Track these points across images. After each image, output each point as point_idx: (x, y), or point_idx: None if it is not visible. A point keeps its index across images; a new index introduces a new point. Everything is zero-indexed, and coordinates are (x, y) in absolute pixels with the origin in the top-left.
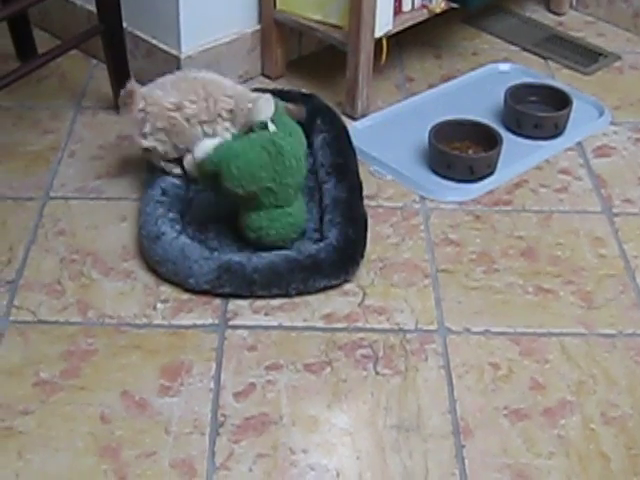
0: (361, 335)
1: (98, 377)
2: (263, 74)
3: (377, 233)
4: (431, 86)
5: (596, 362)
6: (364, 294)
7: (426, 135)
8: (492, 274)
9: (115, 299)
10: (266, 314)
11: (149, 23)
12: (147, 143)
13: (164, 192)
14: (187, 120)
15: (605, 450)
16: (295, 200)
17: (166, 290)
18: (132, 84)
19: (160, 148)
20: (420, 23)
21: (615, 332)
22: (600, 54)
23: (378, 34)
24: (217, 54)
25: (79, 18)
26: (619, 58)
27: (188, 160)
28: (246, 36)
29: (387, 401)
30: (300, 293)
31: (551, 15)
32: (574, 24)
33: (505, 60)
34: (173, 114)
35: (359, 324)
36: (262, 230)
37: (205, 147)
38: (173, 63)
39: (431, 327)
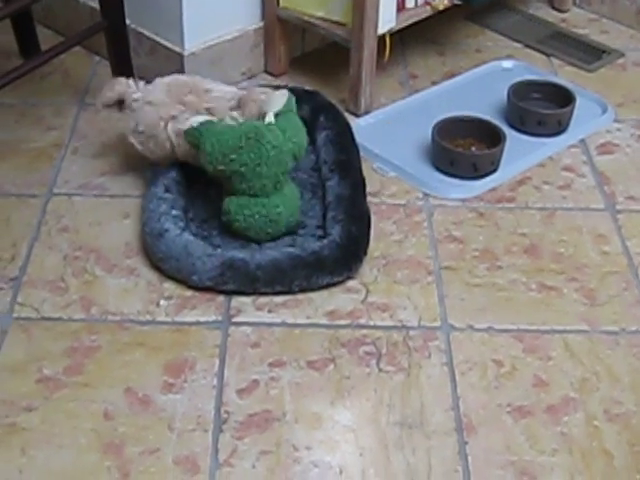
0: (364, 332)
1: (101, 374)
2: (266, 71)
3: (380, 230)
4: (434, 83)
5: (599, 359)
6: (367, 291)
7: (429, 132)
8: (495, 271)
9: (118, 296)
10: (269, 311)
11: (152, 20)
12: (131, 139)
13: (167, 189)
14: (178, 135)
15: (608, 447)
16: (274, 193)
17: (169, 287)
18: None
19: (139, 148)
20: (423, 20)
21: (618, 329)
22: (603, 51)
23: (381, 31)
24: (220, 51)
25: (82, 15)
26: (622, 55)
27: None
28: (249, 33)
29: (390, 398)
30: (303, 290)
31: (554, 12)
32: (577, 21)
33: (508, 57)
34: (160, 123)
35: (362, 321)
36: (230, 214)
37: (193, 120)
38: (176, 60)
39: (434, 324)
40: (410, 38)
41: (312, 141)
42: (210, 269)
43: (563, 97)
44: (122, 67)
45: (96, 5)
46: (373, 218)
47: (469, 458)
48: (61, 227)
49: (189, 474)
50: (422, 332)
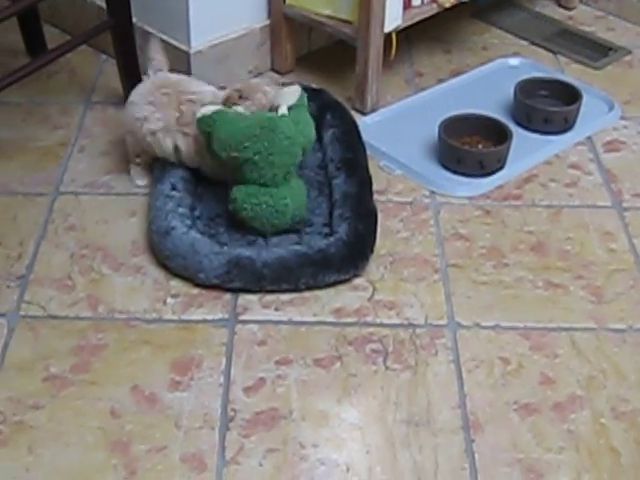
0: (371, 330)
1: (108, 372)
2: (273, 69)
3: (387, 228)
4: (441, 81)
5: (606, 357)
6: (374, 289)
7: (436, 130)
8: (502, 269)
9: (125, 294)
10: (276, 309)
11: (159, 18)
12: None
13: (174, 187)
14: (152, 133)
15: (615, 445)
16: (284, 185)
17: (176, 285)
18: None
19: (130, 145)
20: (429, 18)
21: (625, 327)
22: (610, 48)
23: (388, 29)
24: (227, 49)
25: (89, 14)
26: (629, 52)
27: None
28: (255, 31)
29: (397, 396)
30: (310, 288)
31: (561, 9)
32: (584, 18)
33: (515, 55)
34: (137, 123)
35: (369, 319)
36: (236, 203)
37: (205, 109)
38: (183, 58)
39: (441, 322)
40: (416, 36)
41: (319, 139)
42: (217, 267)
43: (570, 95)
44: (129, 66)
45: (103, 4)
46: (380, 216)
47: (476, 456)
48: (68, 225)
49: (196, 472)
50: (429, 330)
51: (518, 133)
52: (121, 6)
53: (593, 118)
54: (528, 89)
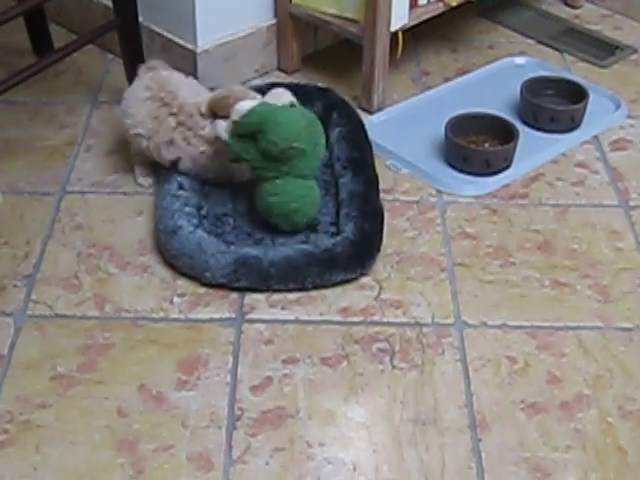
0: (377, 329)
1: (115, 371)
2: (279, 68)
3: (393, 227)
4: (447, 80)
5: (613, 356)
6: (380, 288)
7: (442, 129)
8: (508, 268)
9: (132, 293)
10: (283, 308)
11: (165, 17)
12: None
13: (180, 186)
14: (138, 136)
15: (622, 444)
16: (312, 179)
17: (183, 284)
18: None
19: (132, 144)
20: (436, 17)
21: (632, 326)
22: (616, 47)
23: (394, 28)
24: (233, 48)
25: (95, 13)
26: (635, 51)
27: (220, 125)
28: (262, 30)
29: (404, 395)
30: (316, 287)
31: (567, 8)
32: (590, 17)
33: (521, 53)
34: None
35: (375, 318)
36: (282, 195)
37: (245, 105)
38: (189, 58)
39: (448, 321)
40: (423, 35)
41: (325, 138)
42: (223, 266)
43: (576, 93)
44: (135, 65)
45: (109, 3)
46: (386, 215)
47: (483, 455)
48: (75, 225)
49: (203, 471)
50: (435, 329)
51: (524, 132)
52: (127, 5)
53: (600, 117)
54: (534, 88)
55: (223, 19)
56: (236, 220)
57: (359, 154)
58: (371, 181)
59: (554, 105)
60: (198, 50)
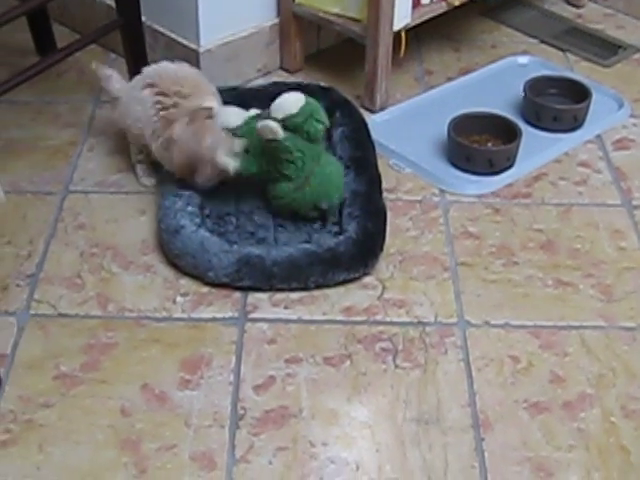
0: (380, 328)
1: (118, 370)
2: (282, 68)
3: (396, 226)
4: (450, 79)
5: (616, 355)
6: (383, 287)
7: (445, 128)
8: (511, 267)
9: (135, 292)
10: (286, 307)
11: (168, 17)
12: None
13: (183, 185)
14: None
15: (625, 443)
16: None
17: (186, 283)
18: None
19: (132, 143)
20: (439, 16)
21: (635, 325)
22: (619, 46)
23: (397, 27)
24: (236, 48)
25: (98, 12)
26: (638, 50)
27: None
28: (265, 30)
29: (407, 394)
30: (319, 286)
31: (570, 7)
32: (593, 16)
33: (524, 53)
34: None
35: (378, 317)
36: (328, 174)
37: (287, 103)
38: (192, 57)
39: (451, 320)
40: (425, 34)
41: (328, 137)
42: (226, 265)
43: (579, 93)
44: (138, 64)
45: (112, 2)
46: (389, 214)
47: (486, 454)
48: (77, 224)
49: (206, 470)
50: (438, 328)
51: (527, 131)
52: (130, 5)
53: (602, 116)
54: (537, 87)
55: (226, 19)
56: (239, 219)
57: (362, 153)
58: (374, 180)
59: (557, 104)
60: (201, 50)
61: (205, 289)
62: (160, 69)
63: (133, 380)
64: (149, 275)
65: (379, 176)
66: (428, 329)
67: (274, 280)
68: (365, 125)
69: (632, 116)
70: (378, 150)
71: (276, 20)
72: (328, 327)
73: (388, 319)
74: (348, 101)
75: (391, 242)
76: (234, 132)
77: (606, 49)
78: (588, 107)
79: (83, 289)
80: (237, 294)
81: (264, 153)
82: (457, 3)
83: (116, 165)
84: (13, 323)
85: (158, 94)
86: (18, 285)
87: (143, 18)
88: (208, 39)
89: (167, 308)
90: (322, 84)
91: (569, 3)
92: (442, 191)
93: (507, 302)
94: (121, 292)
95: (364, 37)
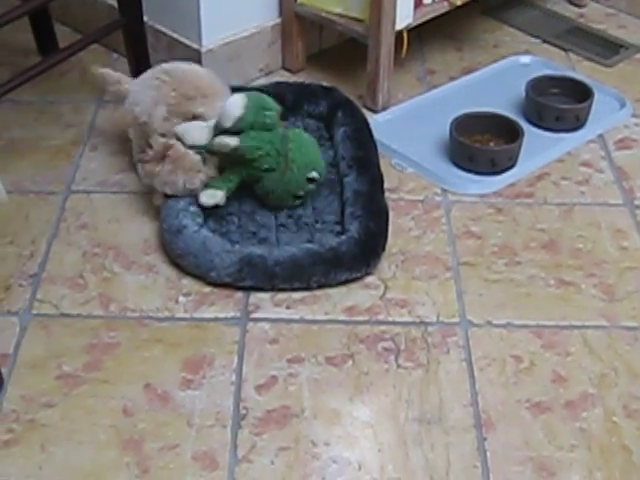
0: (383, 328)
1: (120, 370)
2: (284, 67)
3: (398, 226)
4: (452, 79)
5: (618, 355)
6: (385, 287)
7: (447, 128)
8: (514, 267)
9: (137, 292)
10: (288, 307)
11: (170, 17)
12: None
13: None
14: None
15: (627, 443)
16: None
17: (188, 283)
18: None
19: (134, 141)
20: (441, 15)
21: (637, 325)
22: (621, 46)
23: (399, 27)
24: (238, 48)
25: (100, 12)
26: None
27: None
28: (267, 29)
29: (409, 394)
30: (321, 286)
31: (572, 7)
32: (595, 16)
33: (526, 52)
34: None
35: (381, 317)
36: (301, 149)
37: (234, 104)
38: (194, 57)
39: (453, 320)
40: (428, 34)
41: (330, 137)
42: (228, 265)
43: (581, 92)
44: (140, 64)
45: (114, 2)
46: (391, 214)
47: (488, 454)
48: (80, 224)
49: (208, 470)
50: (440, 328)
51: (529, 131)
52: (132, 5)
53: (605, 116)
54: (539, 87)
55: (228, 18)
56: (241, 219)
57: (364, 153)
58: (376, 180)
59: (559, 104)
60: (203, 49)
61: (207, 289)
62: (174, 66)
63: (135, 380)
64: (151, 275)
65: (381, 176)
66: (430, 329)
67: (276, 280)
68: (367, 125)
69: (634, 116)
70: (380, 150)
71: (278, 20)
72: (330, 327)
73: (390, 319)
74: (350, 101)
75: (393, 242)
76: (201, 151)
77: (608, 49)
78: (590, 107)
79: (85, 289)
80: (239, 294)
81: (236, 162)
82: (459, 3)
83: (118, 165)
84: (15, 323)
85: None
86: (21, 285)
87: (145, 18)
88: (210, 39)
89: (169, 308)
90: (324, 84)
91: (571, 3)
92: (444, 191)
93: (509, 302)
94: (123, 292)
95: (366, 37)
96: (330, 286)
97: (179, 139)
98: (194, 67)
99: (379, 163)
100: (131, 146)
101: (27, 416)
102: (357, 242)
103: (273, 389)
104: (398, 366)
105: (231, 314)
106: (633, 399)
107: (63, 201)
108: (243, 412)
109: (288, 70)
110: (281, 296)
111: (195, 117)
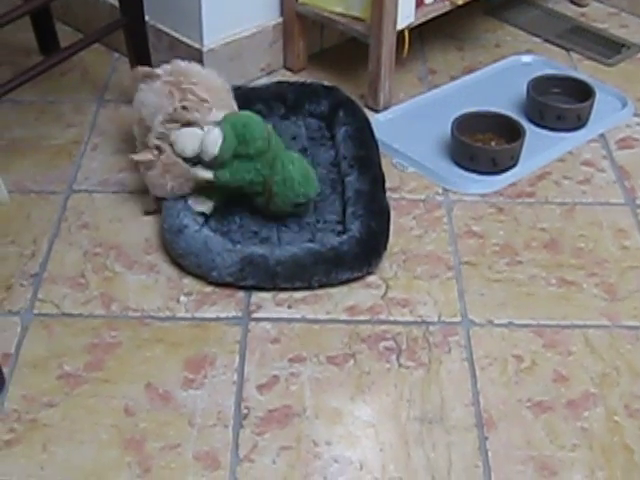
0: (384, 327)
1: (122, 370)
2: (285, 67)
3: (400, 225)
4: (453, 78)
5: (620, 354)
6: (387, 286)
7: (449, 127)
8: (515, 266)
9: (138, 292)
10: (289, 307)
11: (171, 16)
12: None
13: None
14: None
15: (629, 442)
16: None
17: (189, 283)
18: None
19: (138, 139)
20: (442, 15)
21: (639, 324)
22: (623, 45)
23: (400, 26)
24: (239, 47)
25: (101, 12)
26: None
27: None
28: (268, 29)
29: (410, 393)
30: (323, 285)
31: (573, 6)
32: (597, 15)
33: (528, 52)
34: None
35: (382, 316)
36: (293, 164)
37: (214, 134)
38: (195, 56)
39: (454, 319)
40: (429, 33)
41: (331, 136)
42: (230, 265)
43: (582, 92)
44: (141, 64)
45: (115, 2)
46: (393, 213)
47: (489, 453)
48: (81, 224)
49: (209, 469)
50: (442, 327)
51: (531, 130)
52: (134, 4)
53: (606, 115)
54: (541, 86)
55: (229, 18)
56: (242, 219)
57: (365, 153)
58: (377, 180)
59: (560, 103)
60: (204, 49)
61: (209, 288)
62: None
63: (137, 379)
64: (153, 274)
65: (382, 175)
66: (432, 328)
67: (278, 279)
68: (368, 124)
69: (636, 115)
70: (381, 149)
71: (279, 19)
72: (332, 326)
73: (392, 318)
74: (351, 100)
75: (395, 241)
76: (191, 161)
77: (610, 48)
78: (592, 106)
79: (87, 288)
80: (241, 293)
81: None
82: (460, 2)
83: (120, 164)
84: (17, 323)
85: (174, 85)
86: (22, 285)
87: (146, 17)
88: (211, 38)
89: (171, 307)
90: (325, 83)
91: (573, 2)
92: (446, 190)
93: (511, 301)
94: (125, 291)
95: (367, 36)
96: (331, 285)
97: (172, 145)
98: (209, 75)
99: (380, 162)
100: (134, 144)
101: (28, 416)
102: (358, 241)
103: (275, 389)
104: (399, 365)
105: (232, 314)
106: (635, 398)
107: (64, 201)
108: (245, 412)
109: (289, 69)
110: (282, 296)
111: (190, 123)
